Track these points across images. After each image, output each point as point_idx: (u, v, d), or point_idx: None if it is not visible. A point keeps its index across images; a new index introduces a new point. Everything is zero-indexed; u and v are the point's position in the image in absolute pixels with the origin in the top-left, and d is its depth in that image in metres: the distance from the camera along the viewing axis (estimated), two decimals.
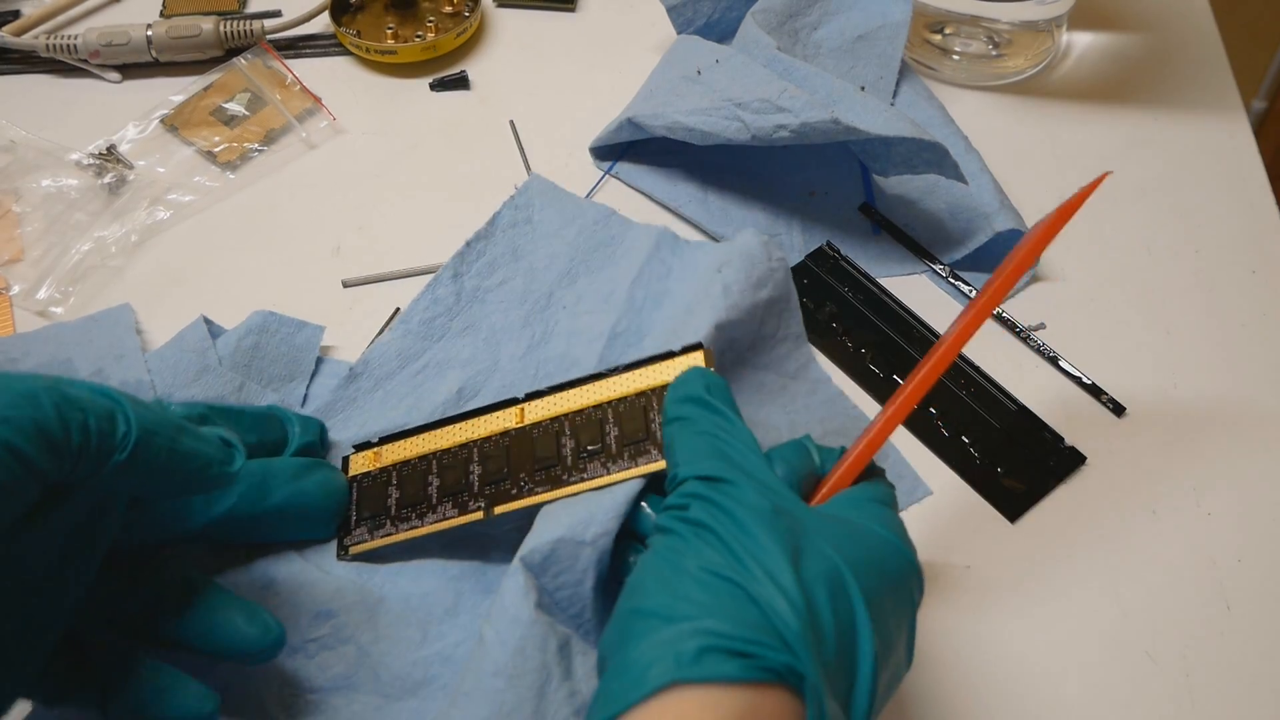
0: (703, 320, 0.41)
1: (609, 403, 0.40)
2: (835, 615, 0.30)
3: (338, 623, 0.40)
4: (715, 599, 0.30)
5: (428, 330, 0.48)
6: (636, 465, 0.38)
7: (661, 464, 0.38)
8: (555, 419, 0.41)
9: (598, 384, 0.41)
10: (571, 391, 0.42)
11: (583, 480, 0.39)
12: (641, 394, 0.40)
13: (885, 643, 0.31)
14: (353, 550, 0.42)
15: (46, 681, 0.35)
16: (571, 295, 0.48)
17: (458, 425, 0.43)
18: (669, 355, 0.40)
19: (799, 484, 0.36)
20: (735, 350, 0.43)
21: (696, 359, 0.39)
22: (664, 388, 0.39)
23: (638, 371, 0.41)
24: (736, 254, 0.43)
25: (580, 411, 0.41)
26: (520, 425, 0.42)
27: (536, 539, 0.38)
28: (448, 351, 0.47)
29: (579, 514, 0.38)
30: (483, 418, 0.43)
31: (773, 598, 0.30)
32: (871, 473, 0.37)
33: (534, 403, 0.42)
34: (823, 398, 0.45)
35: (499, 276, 0.49)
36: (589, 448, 0.39)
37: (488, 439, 0.42)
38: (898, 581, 0.33)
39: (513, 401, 0.42)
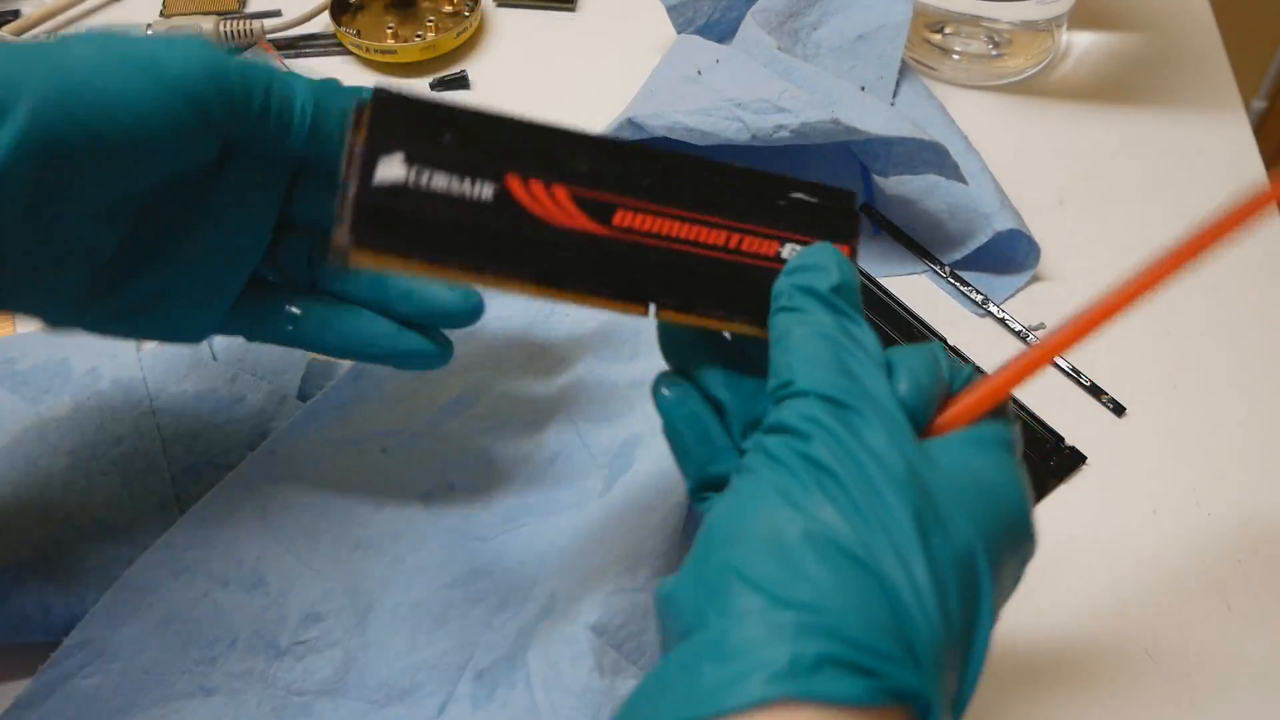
0: None
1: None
2: (963, 606, 0.26)
3: (326, 626, 0.40)
4: (839, 584, 0.25)
5: None
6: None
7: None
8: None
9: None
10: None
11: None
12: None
13: (997, 615, 0.28)
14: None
15: (241, 316, 0.38)
16: None
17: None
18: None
19: (926, 405, 0.30)
20: None
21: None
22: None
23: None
24: None
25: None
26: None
27: (588, 596, 0.38)
28: None
29: (623, 558, 0.38)
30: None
31: (908, 596, 0.25)
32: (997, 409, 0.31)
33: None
34: None
35: None
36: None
37: None
38: (1019, 546, 0.29)
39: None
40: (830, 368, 0.29)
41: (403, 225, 0.30)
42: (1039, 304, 0.53)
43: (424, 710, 0.39)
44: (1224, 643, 0.43)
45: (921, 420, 0.29)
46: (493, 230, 0.30)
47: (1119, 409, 0.50)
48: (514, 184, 0.30)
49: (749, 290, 0.32)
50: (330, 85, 0.36)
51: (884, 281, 0.54)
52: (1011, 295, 0.54)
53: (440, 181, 0.30)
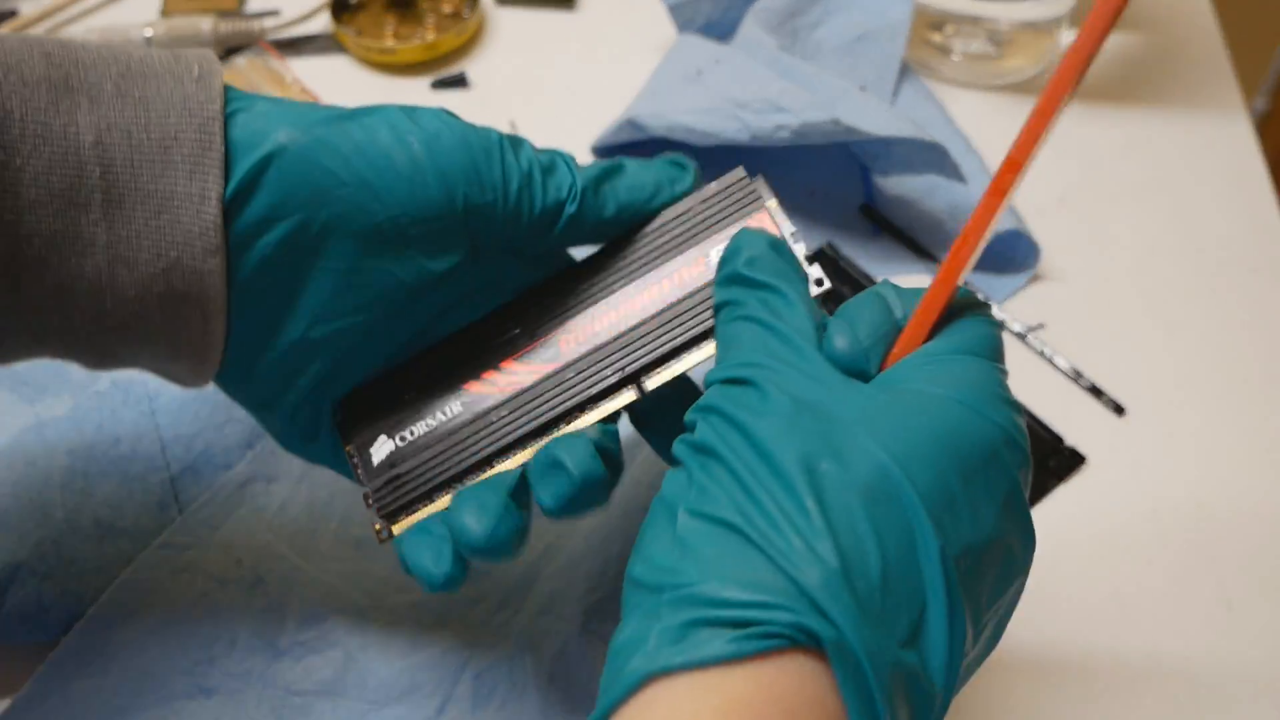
0: None
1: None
2: (878, 534, 0.24)
3: (327, 626, 0.40)
4: (714, 553, 0.24)
5: None
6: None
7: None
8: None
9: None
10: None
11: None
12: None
13: (972, 544, 0.25)
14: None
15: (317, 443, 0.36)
16: None
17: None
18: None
19: (870, 348, 0.28)
20: None
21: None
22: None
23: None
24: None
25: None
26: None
27: (588, 596, 0.39)
28: None
29: (623, 558, 0.38)
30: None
31: (786, 540, 0.24)
32: (966, 307, 0.29)
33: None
34: None
35: None
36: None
37: None
38: (982, 459, 0.26)
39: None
40: (741, 347, 0.29)
41: (412, 479, 0.34)
42: (1039, 304, 0.53)
43: (423, 710, 0.39)
44: (1224, 644, 0.43)
45: (868, 364, 0.28)
46: (480, 428, 0.34)
47: (1119, 409, 0.50)
48: (474, 388, 0.34)
49: (707, 312, 0.34)
50: (609, 169, 0.35)
51: None
52: (1011, 295, 0.54)
53: (420, 427, 0.34)
